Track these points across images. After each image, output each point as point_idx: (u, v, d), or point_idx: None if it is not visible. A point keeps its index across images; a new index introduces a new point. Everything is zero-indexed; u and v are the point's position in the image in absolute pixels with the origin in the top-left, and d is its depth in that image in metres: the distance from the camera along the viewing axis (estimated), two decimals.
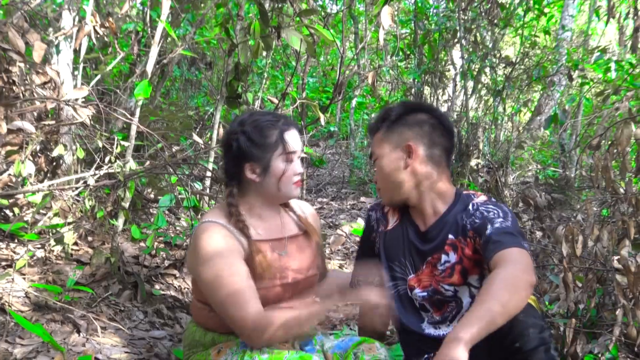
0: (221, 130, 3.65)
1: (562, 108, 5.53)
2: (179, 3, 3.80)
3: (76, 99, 2.81)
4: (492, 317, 1.50)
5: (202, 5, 4.12)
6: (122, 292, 2.72)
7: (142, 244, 3.20)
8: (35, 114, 2.90)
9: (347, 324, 3.01)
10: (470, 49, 5.82)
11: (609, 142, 2.58)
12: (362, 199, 6.39)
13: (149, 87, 2.73)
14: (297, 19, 3.17)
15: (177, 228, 3.68)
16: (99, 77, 3.40)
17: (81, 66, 3.36)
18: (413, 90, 6.70)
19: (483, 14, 5.69)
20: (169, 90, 7.24)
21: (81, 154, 3.05)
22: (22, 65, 2.62)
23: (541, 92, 7.19)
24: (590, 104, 6.31)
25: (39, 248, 2.79)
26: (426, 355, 1.88)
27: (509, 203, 4.89)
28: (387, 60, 7.41)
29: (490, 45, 5.96)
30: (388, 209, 2.05)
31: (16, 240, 2.83)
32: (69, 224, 2.80)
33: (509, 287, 1.55)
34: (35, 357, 2.06)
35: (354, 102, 7.65)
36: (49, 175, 3.07)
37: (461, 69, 5.91)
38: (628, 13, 3.41)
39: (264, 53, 3.72)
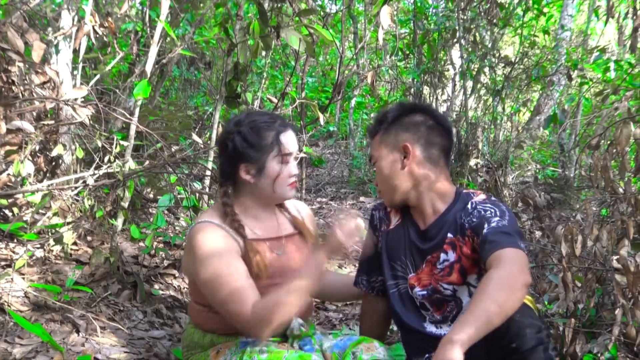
0: (220, 130, 3.64)
1: (561, 108, 5.54)
2: (178, 3, 3.80)
3: (75, 99, 2.81)
4: (488, 318, 1.51)
5: (201, 5, 4.11)
6: (121, 292, 2.72)
7: (141, 243, 3.20)
8: (34, 113, 2.89)
9: (346, 324, 3.01)
10: (470, 49, 5.82)
11: (608, 142, 2.58)
12: (362, 198, 6.39)
13: (148, 86, 2.73)
14: (297, 18, 3.17)
15: (177, 228, 3.68)
16: (98, 76, 3.40)
17: (80, 66, 3.36)
18: (412, 90, 6.71)
19: (482, 13, 5.69)
20: (168, 90, 7.24)
21: (80, 153, 3.05)
22: (21, 65, 2.62)
23: (540, 91, 7.19)
24: (590, 104, 6.31)
25: (38, 248, 2.79)
26: (427, 355, 1.89)
27: (508, 203, 4.89)
28: (386, 60, 7.41)
29: (489, 45, 5.97)
30: (390, 208, 2.06)
31: (15, 240, 2.83)
32: (68, 223, 2.80)
33: (505, 288, 1.56)
34: (35, 357, 2.06)
35: (353, 102, 7.65)
36: (48, 175, 3.07)
37: (460, 69, 5.91)
38: (627, 13, 3.41)
39: (263, 53, 3.72)
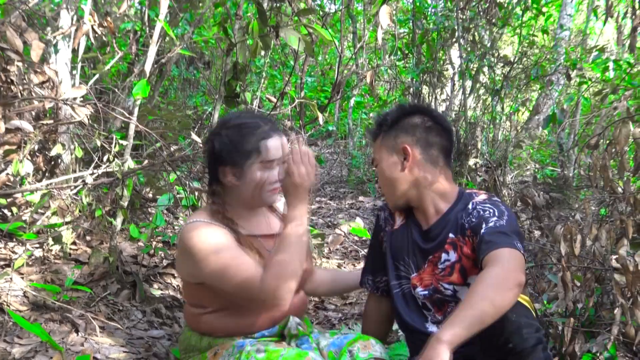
0: None
1: (560, 107, 5.54)
2: (177, 2, 3.80)
3: (74, 98, 2.80)
4: (478, 317, 1.52)
5: (201, 4, 4.11)
6: (120, 292, 2.72)
7: (140, 243, 3.20)
8: (33, 113, 2.89)
9: (345, 324, 3.01)
10: (469, 49, 5.82)
11: (607, 142, 2.58)
12: (361, 198, 6.40)
13: (147, 86, 2.72)
14: (296, 18, 3.17)
15: (176, 227, 3.68)
16: (97, 76, 3.39)
17: (79, 65, 3.35)
18: (411, 89, 6.71)
19: (481, 13, 5.69)
20: (168, 89, 7.24)
21: (79, 153, 3.05)
22: (20, 64, 2.62)
23: (539, 91, 7.19)
24: (589, 104, 6.32)
25: (37, 247, 2.79)
26: None
27: (507, 202, 4.89)
28: (386, 59, 7.41)
29: (488, 45, 5.97)
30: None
31: (14, 240, 2.83)
32: (67, 223, 2.79)
33: (496, 287, 1.57)
34: (34, 356, 2.06)
35: (352, 102, 7.65)
36: (47, 174, 3.07)
37: (459, 69, 5.92)
38: (626, 12, 3.41)
39: (263, 52, 3.72)
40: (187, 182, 3.13)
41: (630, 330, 2.16)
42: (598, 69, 5.17)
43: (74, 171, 3.09)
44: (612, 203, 2.71)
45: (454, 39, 5.90)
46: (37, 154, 3.01)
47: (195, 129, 5.13)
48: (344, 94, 7.18)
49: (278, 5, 3.52)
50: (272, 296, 1.72)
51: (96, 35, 2.96)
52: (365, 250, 4.10)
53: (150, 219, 3.45)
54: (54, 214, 2.81)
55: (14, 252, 2.72)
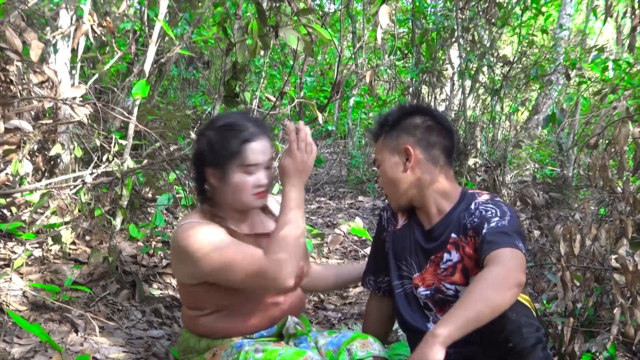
0: None
1: (559, 107, 5.53)
2: (176, 2, 3.80)
3: (74, 98, 2.80)
4: (474, 315, 1.53)
5: (200, 4, 4.11)
6: (120, 292, 2.72)
7: (140, 243, 3.20)
8: (32, 113, 2.89)
9: (345, 323, 3.01)
10: (468, 48, 5.82)
11: (607, 141, 2.58)
12: (360, 198, 6.39)
13: (146, 86, 2.72)
14: (295, 18, 3.17)
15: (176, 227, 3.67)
16: (96, 76, 3.39)
17: (79, 65, 3.35)
18: (411, 89, 6.71)
19: (481, 13, 5.69)
20: (167, 89, 7.24)
21: (79, 152, 3.05)
22: (19, 64, 2.62)
23: (539, 91, 7.19)
24: (588, 103, 6.32)
25: (36, 247, 2.79)
26: None
27: (506, 202, 4.88)
28: (385, 59, 7.41)
29: (487, 45, 5.97)
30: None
31: (14, 240, 2.82)
32: (67, 223, 2.79)
33: (493, 286, 1.58)
34: (33, 356, 2.06)
35: (351, 101, 7.65)
36: (46, 174, 3.07)
37: (459, 68, 5.92)
38: (625, 12, 3.41)
39: (262, 52, 3.72)
40: (187, 182, 3.13)
41: (629, 330, 2.16)
42: (597, 69, 5.17)
43: (74, 171, 3.09)
44: (611, 203, 2.71)
45: (454, 39, 5.90)
46: (37, 153, 3.01)
47: (195, 129, 5.12)
48: (343, 94, 7.18)
49: (277, 5, 3.52)
50: (279, 273, 1.70)
51: (95, 35, 2.96)
52: (365, 250, 4.10)
53: (150, 218, 3.45)
54: (53, 213, 2.81)
55: (13, 252, 2.72)
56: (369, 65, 7.70)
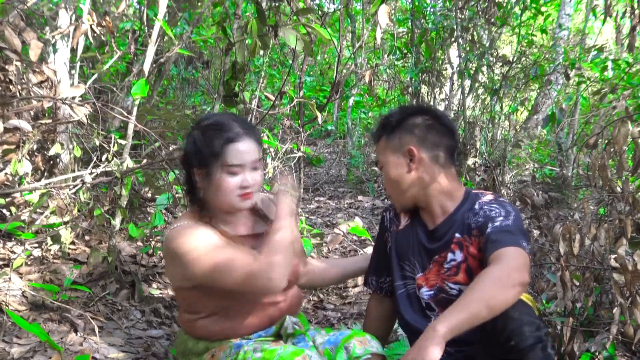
0: None
1: (559, 107, 5.53)
2: (175, 2, 3.80)
3: (73, 98, 2.80)
4: (475, 312, 1.53)
5: (199, 4, 4.11)
6: (119, 292, 2.72)
7: (139, 243, 3.20)
8: (32, 112, 2.89)
9: (344, 323, 3.01)
10: (467, 48, 5.82)
11: (606, 141, 2.58)
12: (360, 197, 6.39)
13: (146, 86, 2.72)
14: (294, 17, 3.17)
15: None
16: (95, 75, 3.39)
17: (78, 65, 3.35)
18: (410, 89, 6.70)
19: (480, 12, 5.69)
20: (166, 89, 7.24)
21: (78, 152, 3.05)
22: (18, 64, 2.62)
23: (538, 90, 7.19)
24: (587, 103, 6.32)
25: (36, 247, 2.78)
26: None
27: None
28: (384, 59, 7.40)
29: (487, 44, 5.97)
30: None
31: (13, 239, 2.82)
32: (66, 222, 2.79)
33: (495, 284, 1.58)
34: (33, 356, 2.06)
35: (351, 101, 7.65)
36: (46, 174, 3.07)
37: (458, 68, 5.91)
38: (625, 12, 3.41)
39: (261, 52, 3.71)
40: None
41: (629, 329, 2.16)
42: (597, 69, 5.16)
43: (73, 171, 3.09)
44: (610, 202, 2.71)
45: (453, 39, 5.90)
46: (36, 153, 3.01)
47: None
48: (342, 94, 7.17)
49: (277, 4, 3.52)
50: (269, 274, 1.72)
51: (95, 34, 2.96)
52: (365, 250, 4.10)
53: (149, 218, 3.45)
54: (52, 213, 2.81)
55: (12, 252, 2.72)
56: (369, 65, 7.70)
